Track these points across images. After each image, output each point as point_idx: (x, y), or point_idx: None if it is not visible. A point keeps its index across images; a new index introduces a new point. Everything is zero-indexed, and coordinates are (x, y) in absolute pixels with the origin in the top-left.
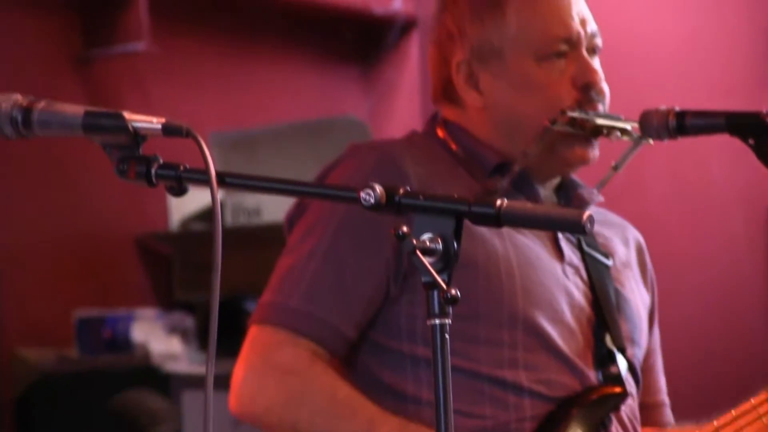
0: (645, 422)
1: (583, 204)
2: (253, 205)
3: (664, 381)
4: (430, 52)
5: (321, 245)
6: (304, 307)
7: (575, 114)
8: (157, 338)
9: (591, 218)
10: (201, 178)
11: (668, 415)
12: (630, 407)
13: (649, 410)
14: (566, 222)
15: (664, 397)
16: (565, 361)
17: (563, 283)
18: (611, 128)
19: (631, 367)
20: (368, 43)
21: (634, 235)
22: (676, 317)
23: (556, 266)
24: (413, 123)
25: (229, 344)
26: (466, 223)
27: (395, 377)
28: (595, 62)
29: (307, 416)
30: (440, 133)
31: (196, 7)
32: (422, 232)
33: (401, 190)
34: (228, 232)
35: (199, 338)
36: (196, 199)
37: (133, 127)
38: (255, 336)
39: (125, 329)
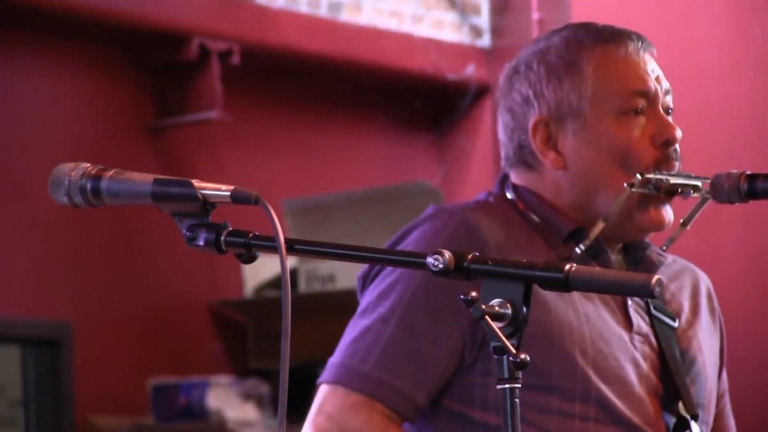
0: None
1: (652, 267)
2: (327, 272)
3: (734, 423)
4: (502, 118)
5: (396, 310)
6: (378, 373)
7: (652, 176)
8: (232, 405)
9: (660, 282)
10: (270, 245)
11: None
12: None
13: None
14: (635, 287)
15: None
16: (637, 431)
17: (632, 353)
18: (685, 186)
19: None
20: (441, 110)
21: (703, 280)
22: (745, 379)
23: (624, 336)
24: (486, 188)
25: (303, 411)
26: (542, 294)
27: None
28: (671, 119)
29: None
30: (509, 196)
31: (267, 75)
32: (492, 298)
33: (470, 256)
34: (301, 299)
35: (274, 405)
36: (270, 266)
37: (202, 195)
38: (326, 396)
39: (200, 396)
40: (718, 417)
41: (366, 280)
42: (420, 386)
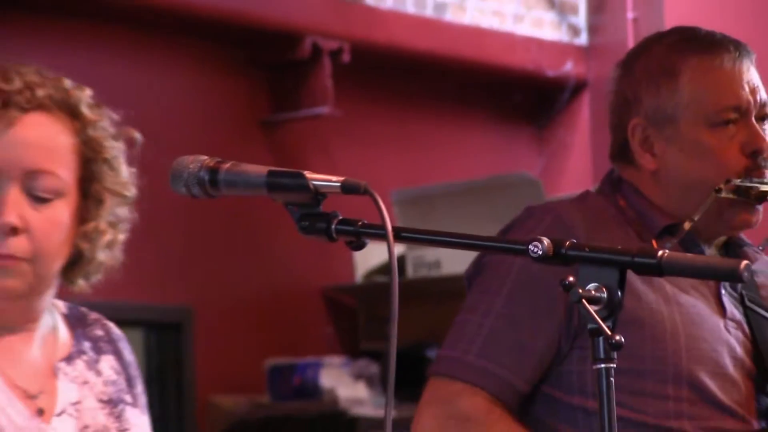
0: None
1: (744, 259)
2: (433, 259)
3: None
4: (609, 113)
5: (496, 304)
6: (481, 362)
7: (739, 182)
8: (344, 384)
9: (748, 267)
10: (378, 232)
11: None
12: None
13: None
14: (724, 271)
15: None
16: (728, 411)
17: (725, 338)
18: None
19: None
20: (540, 104)
21: None
22: None
23: (718, 322)
24: (584, 180)
25: (411, 390)
26: (634, 285)
27: (567, 428)
28: (766, 128)
29: None
30: (614, 192)
31: (376, 72)
32: (588, 282)
33: (567, 242)
34: (409, 284)
35: (383, 384)
36: (379, 252)
37: (313, 186)
38: (434, 386)
39: (314, 376)
40: None
41: (472, 276)
42: (520, 373)
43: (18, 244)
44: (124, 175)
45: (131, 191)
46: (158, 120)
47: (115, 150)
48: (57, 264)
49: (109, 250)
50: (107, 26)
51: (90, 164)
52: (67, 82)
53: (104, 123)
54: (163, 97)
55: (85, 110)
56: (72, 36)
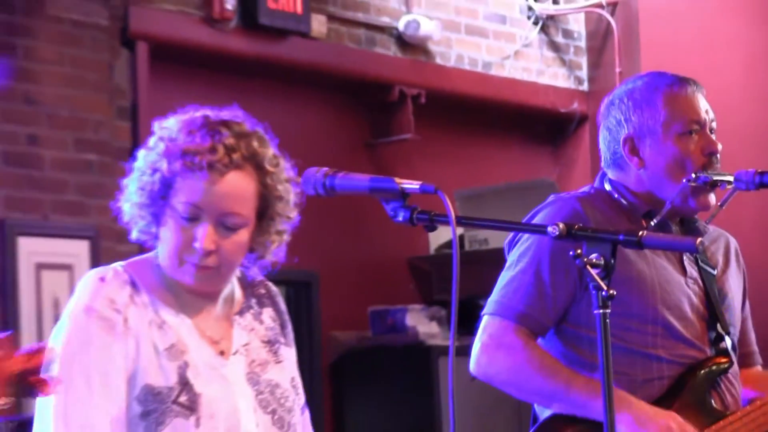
0: (742, 366)
1: (698, 234)
2: (482, 237)
3: (754, 336)
4: (602, 134)
5: (530, 266)
6: (521, 307)
7: (702, 174)
8: (422, 323)
9: (702, 242)
10: (445, 219)
11: (758, 359)
12: (734, 370)
13: (744, 357)
14: (686, 245)
15: (755, 347)
16: (688, 342)
17: (686, 291)
18: (722, 181)
19: (734, 344)
20: (555, 132)
21: (733, 242)
22: (763, 299)
23: (681, 279)
24: (586, 182)
25: (468, 326)
26: (625, 254)
27: (579, 350)
28: (713, 137)
29: (525, 377)
30: (607, 187)
31: (443, 110)
32: (590, 253)
33: (576, 226)
34: (465, 255)
35: (449, 323)
36: (446, 233)
37: (400, 188)
38: (487, 323)
39: (402, 318)
40: (743, 332)
41: (510, 247)
42: (547, 314)
43: (211, 260)
44: (290, 203)
45: (294, 213)
46: (299, 143)
47: (286, 188)
48: (237, 266)
49: (275, 250)
50: (267, 82)
51: (266, 200)
52: (255, 142)
53: (279, 170)
54: (302, 128)
55: (267, 165)
56: (249, 90)
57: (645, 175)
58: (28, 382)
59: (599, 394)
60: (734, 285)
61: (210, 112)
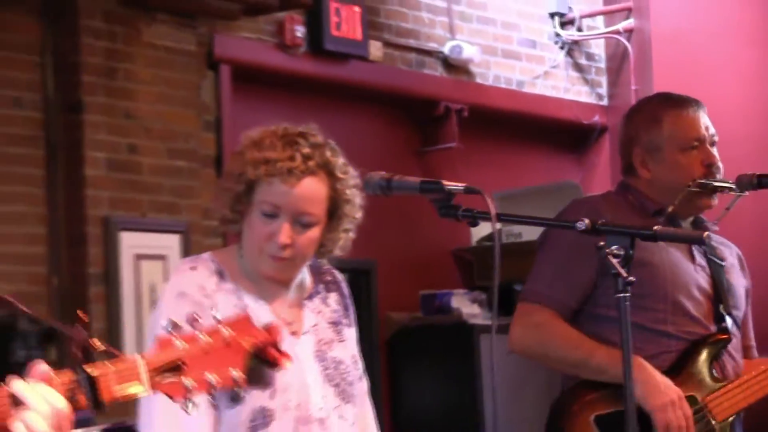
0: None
1: (705, 231)
2: (517, 231)
3: (752, 332)
4: (618, 146)
5: (558, 258)
6: (549, 292)
7: (702, 181)
8: (466, 306)
9: (708, 236)
10: (485, 216)
11: (755, 354)
12: (734, 345)
13: (743, 350)
14: (694, 238)
15: (753, 342)
16: (696, 320)
17: (694, 275)
18: (723, 187)
19: (735, 322)
20: (579, 141)
21: (737, 251)
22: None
23: (690, 266)
24: (606, 186)
25: (507, 308)
26: (643, 244)
27: (600, 328)
28: (714, 150)
29: (553, 349)
30: (625, 192)
31: (484, 122)
32: (612, 245)
33: (600, 221)
34: (503, 246)
35: (489, 305)
36: (486, 228)
37: (447, 189)
38: (521, 308)
39: (448, 301)
40: (744, 327)
41: (541, 243)
42: (573, 298)
43: (287, 253)
44: (356, 206)
45: (359, 214)
46: (359, 152)
47: (353, 192)
48: (309, 258)
49: (342, 245)
50: (331, 100)
51: (336, 202)
52: (328, 152)
53: (348, 177)
54: (362, 139)
55: (338, 172)
56: (316, 107)
57: (653, 183)
58: (266, 356)
59: (618, 362)
60: (739, 280)
61: (289, 125)
